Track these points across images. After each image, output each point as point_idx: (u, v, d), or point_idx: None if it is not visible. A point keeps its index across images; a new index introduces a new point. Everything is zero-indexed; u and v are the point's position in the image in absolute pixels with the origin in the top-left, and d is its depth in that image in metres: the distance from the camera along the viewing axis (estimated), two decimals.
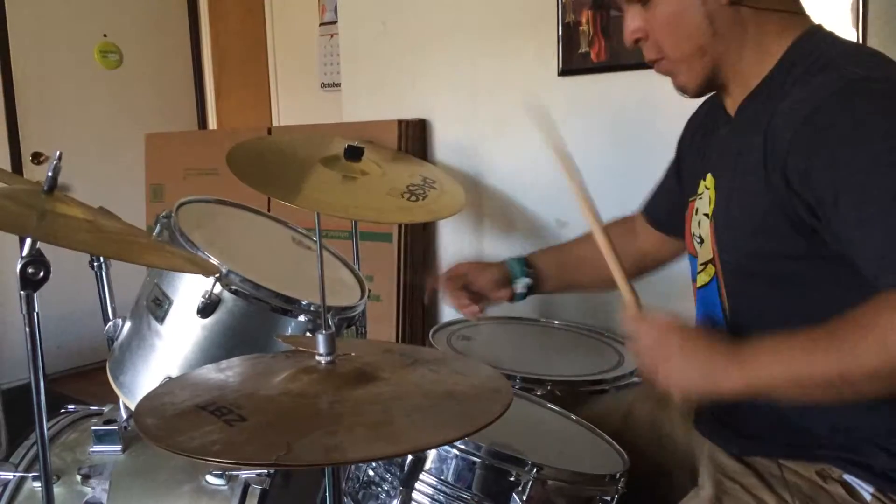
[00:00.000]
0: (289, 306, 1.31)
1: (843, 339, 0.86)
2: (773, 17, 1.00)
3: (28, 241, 1.01)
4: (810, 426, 1.01)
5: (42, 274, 1.01)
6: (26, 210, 1.03)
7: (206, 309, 1.26)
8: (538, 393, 1.46)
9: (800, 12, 1.03)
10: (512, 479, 1.06)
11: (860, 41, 1.64)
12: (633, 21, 1.05)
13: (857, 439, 0.99)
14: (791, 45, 0.99)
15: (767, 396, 0.91)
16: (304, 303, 1.32)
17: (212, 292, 1.25)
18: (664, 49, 1.04)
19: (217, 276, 1.25)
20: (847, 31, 1.65)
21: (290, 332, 1.32)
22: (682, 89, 1.07)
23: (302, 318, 1.32)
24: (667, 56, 1.05)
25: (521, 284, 1.42)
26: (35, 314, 1.03)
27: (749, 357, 0.91)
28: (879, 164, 0.85)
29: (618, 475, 1.12)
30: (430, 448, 1.05)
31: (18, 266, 1.00)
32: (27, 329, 1.03)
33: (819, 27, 1.03)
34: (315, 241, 1.60)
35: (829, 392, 0.88)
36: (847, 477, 0.98)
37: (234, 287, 1.27)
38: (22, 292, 1.01)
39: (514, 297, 1.43)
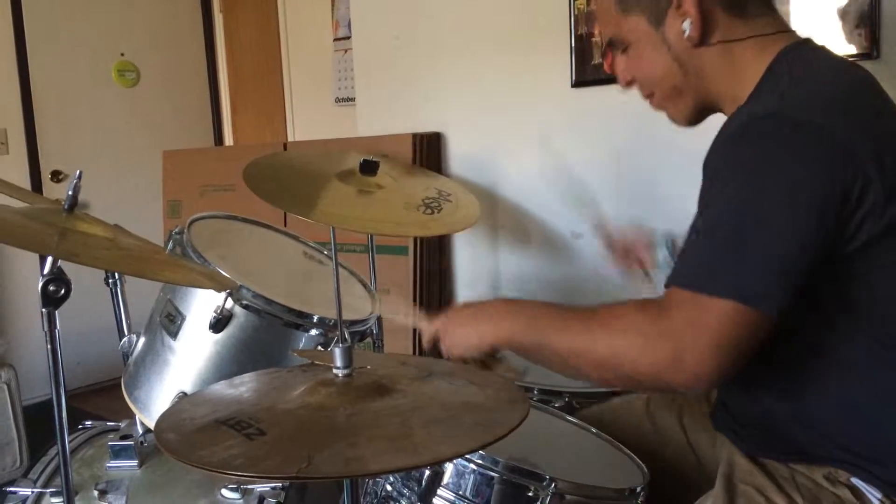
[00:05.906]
0: (300, 321, 1.31)
1: (588, 323, 0.96)
2: (747, 44, 0.99)
3: (49, 260, 1.01)
4: (814, 437, 1.00)
5: (63, 292, 1.01)
6: (47, 229, 1.04)
7: (219, 324, 1.26)
8: (556, 404, 1.45)
9: (777, 31, 1.01)
10: (530, 493, 1.05)
11: (873, 42, 1.64)
12: (619, 66, 1.10)
13: (863, 448, 0.97)
14: (768, 66, 0.98)
15: (521, 353, 1.04)
16: (315, 317, 1.32)
17: (223, 307, 1.26)
18: (650, 89, 1.09)
19: (228, 291, 1.25)
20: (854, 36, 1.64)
21: (301, 346, 1.33)
22: (674, 122, 1.12)
23: (314, 332, 1.32)
24: (654, 94, 1.09)
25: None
26: (56, 331, 1.03)
27: (505, 318, 1.05)
28: (730, 200, 0.90)
29: (638, 489, 1.11)
30: (450, 459, 1.04)
31: (40, 284, 1.00)
32: (48, 346, 1.03)
33: (799, 43, 1.00)
34: (326, 255, 1.61)
35: (564, 366, 1.00)
36: (855, 480, 0.98)
37: (245, 302, 1.27)
38: (43, 310, 1.02)
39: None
